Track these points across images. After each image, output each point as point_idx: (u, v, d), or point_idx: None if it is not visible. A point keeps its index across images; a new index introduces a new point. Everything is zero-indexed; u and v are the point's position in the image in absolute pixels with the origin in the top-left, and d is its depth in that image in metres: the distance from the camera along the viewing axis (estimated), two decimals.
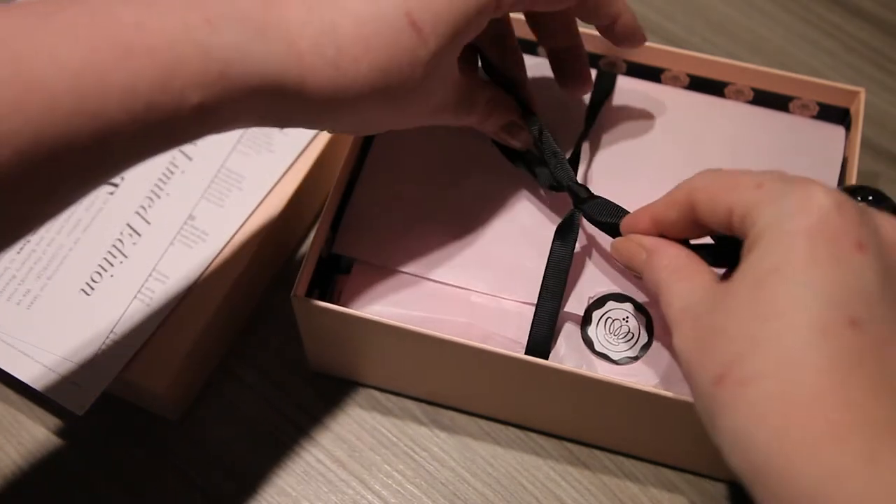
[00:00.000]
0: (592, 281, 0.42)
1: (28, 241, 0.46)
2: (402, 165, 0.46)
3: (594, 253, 0.43)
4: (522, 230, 0.44)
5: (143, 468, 0.45)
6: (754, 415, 0.28)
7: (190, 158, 0.49)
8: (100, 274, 0.45)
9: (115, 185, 0.48)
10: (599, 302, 0.42)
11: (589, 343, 0.41)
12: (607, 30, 0.41)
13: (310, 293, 0.42)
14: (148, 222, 0.47)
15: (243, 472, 0.45)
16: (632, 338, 0.41)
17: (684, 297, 0.33)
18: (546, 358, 0.41)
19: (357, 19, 0.33)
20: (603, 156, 0.46)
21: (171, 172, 0.48)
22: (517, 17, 0.45)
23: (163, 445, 0.45)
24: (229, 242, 0.47)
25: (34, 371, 0.43)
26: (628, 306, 0.41)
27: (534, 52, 0.50)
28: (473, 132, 0.43)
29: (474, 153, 0.46)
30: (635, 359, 0.41)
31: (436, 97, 0.37)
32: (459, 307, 0.42)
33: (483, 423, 0.46)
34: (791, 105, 0.48)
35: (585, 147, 0.46)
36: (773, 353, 0.28)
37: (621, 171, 0.46)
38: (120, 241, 0.46)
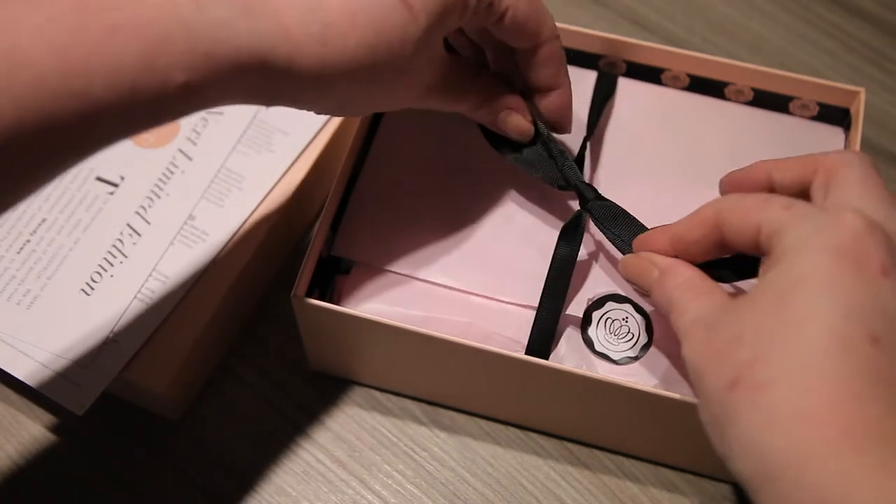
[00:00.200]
0: (593, 281, 0.42)
1: (28, 241, 0.46)
2: (401, 166, 0.46)
3: (594, 253, 0.43)
4: (522, 231, 0.44)
5: (143, 468, 0.45)
6: (768, 420, 0.28)
7: (190, 158, 0.49)
8: (100, 274, 0.45)
9: (115, 185, 0.48)
10: (599, 302, 0.42)
11: (589, 343, 0.41)
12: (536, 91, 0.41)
13: (310, 293, 0.42)
14: (148, 222, 0.47)
15: (243, 472, 0.45)
16: (632, 338, 0.41)
17: (696, 311, 0.33)
18: (546, 358, 0.41)
19: None
20: (603, 156, 0.46)
21: (171, 172, 0.48)
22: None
23: (163, 445, 0.45)
24: (229, 242, 0.47)
25: (34, 371, 0.43)
26: (628, 307, 0.41)
27: None
28: (473, 134, 0.43)
29: (473, 155, 0.46)
30: (635, 359, 0.41)
31: (423, 76, 0.37)
32: (459, 307, 0.42)
33: (483, 423, 0.46)
34: (791, 105, 0.48)
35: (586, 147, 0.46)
36: (791, 358, 0.28)
37: (621, 172, 0.46)
38: (120, 241, 0.46)
